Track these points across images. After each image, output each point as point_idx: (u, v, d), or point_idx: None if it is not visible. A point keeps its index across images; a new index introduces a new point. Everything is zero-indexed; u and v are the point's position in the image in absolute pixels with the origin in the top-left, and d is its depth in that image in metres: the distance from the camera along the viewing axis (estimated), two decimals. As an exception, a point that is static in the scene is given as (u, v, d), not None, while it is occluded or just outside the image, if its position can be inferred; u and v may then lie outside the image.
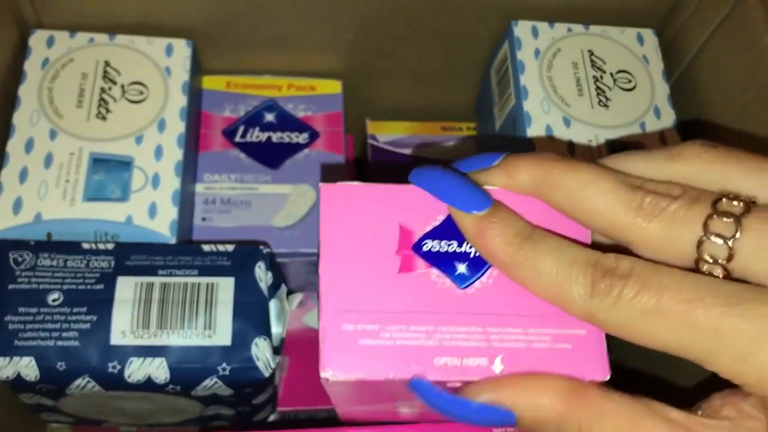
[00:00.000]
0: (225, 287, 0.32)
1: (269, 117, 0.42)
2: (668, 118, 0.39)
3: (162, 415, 0.36)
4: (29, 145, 0.35)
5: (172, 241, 0.34)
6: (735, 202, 0.18)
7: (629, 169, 0.20)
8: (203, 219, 0.38)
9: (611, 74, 0.39)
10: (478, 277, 0.21)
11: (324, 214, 0.21)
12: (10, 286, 0.31)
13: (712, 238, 0.18)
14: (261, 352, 0.31)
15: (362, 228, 0.21)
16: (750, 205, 0.18)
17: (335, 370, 0.20)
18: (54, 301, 0.31)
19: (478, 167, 0.21)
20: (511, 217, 0.20)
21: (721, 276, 0.18)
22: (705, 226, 0.18)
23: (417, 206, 0.21)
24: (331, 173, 0.40)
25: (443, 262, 0.21)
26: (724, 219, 0.18)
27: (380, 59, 0.44)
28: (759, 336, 0.16)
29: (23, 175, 0.34)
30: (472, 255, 0.21)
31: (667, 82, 0.40)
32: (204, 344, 0.31)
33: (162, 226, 0.35)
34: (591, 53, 0.40)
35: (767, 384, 0.17)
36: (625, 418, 0.18)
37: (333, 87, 0.43)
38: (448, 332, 0.20)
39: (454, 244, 0.21)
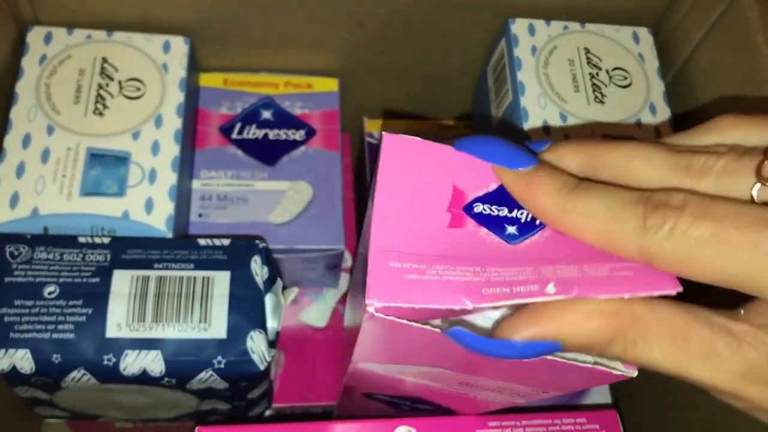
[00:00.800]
0: (221, 281, 0.32)
1: (266, 114, 0.42)
2: (664, 115, 0.39)
3: (157, 410, 0.36)
4: (26, 141, 0.35)
5: (169, 236, 0.34)
6: None
7: None
8: (200, 215, 0.38)
9: (607, 71, 0.39)
10: (529, 236, 0.20)
11: (383, 162, 0.21)
12: (7, 279, 0.31)
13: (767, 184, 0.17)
14: (256, 345, 0.31)
15: (417, 182, 0.21)
16: None
17: (380, 298, 0.19)
18: (50, 294, 0.31)
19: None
20: (556, 170, 0.20)
21: None
22: (758, 174, 0.18)
23: (472, 171, 0.21)
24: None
25: (493, 223, 0.21)
26: None
27: (377, 58, 0.44)
28: None
29: (20, 170, 0.34)
30: (523, 219, 0.21)
31: (663, 80, 0.40)
32: (199, 337, 0.31)
33: (158, 222, 0.35)
34: (587, 51, 0.40)
35: None
36: (667, 327, 0.18)
37: (330, 85, 0.43)
38: (497, 271, 0.20)
39: (505, 209, 0.21)
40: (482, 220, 0.21)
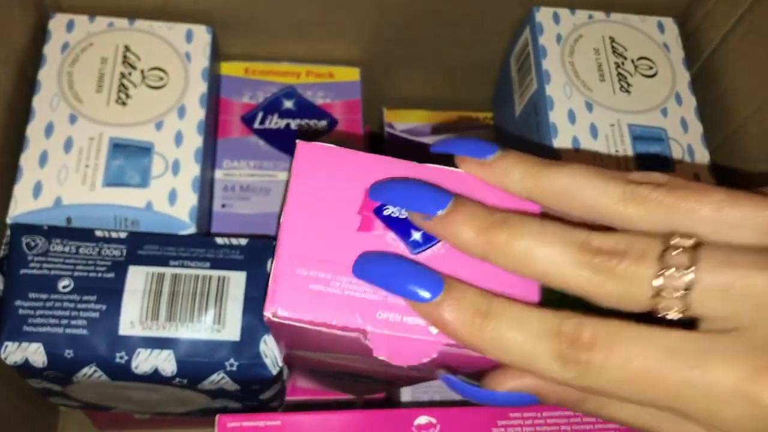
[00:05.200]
0: (237, 281, 0.32)
1: (288, 104, 0.41)
2: (689, 105, 0.38)
3: (169, 406, 0.36)
4: (49, 130, 0.35)
5: (192, 227, 0.34)
6: (682, 250, 0.18)
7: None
8: (222, 206, 0.38)
9: (632, 61, 0.39)
10: (431, 246, 0.21)
11: (296, 169, 0.22)
12: (22, 271, 0.31)
13: (664, 293, 0.18)
14: (269, 349, 0.31)
15: (329, 186, 0.21)
16: (698, 247, 0.18)
17: (281, 308, 0.20)
18: (64, 287, 0.31)
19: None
20: (465, 294, 0.20)
21: (678, 315, 0.18)
22: (656, 279, 0.18)
23: (385, 174, 0.22)
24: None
25: (400, 227, 0.21)
26: (674, 272, 0.18)
27: (398, 48, 0.44)
28: (721, 395, 0.17)
29: (43, 160, 0.34)
30: None
31: (689, 70, 0.39)
32: (212, 338, 0.31)
33: (182, 213, 0.34)
34: (612, 40, 0.40)
35: None
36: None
37: (351, 74, 0.43)
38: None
39: None
40: (390, 223, 0.21)
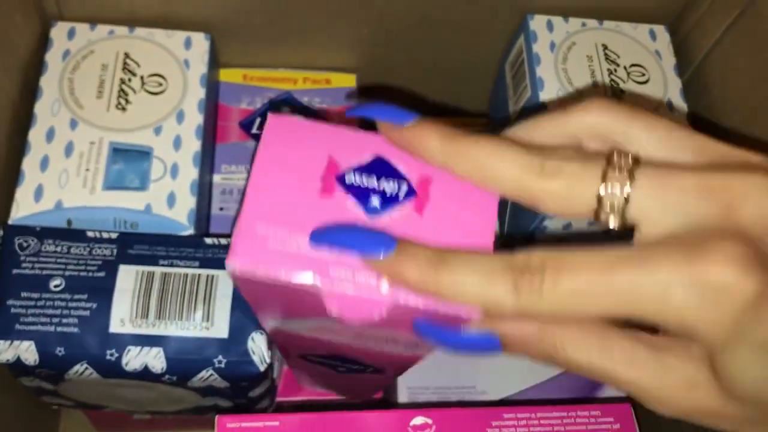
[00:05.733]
0: (225, 280, 0.32)
1: (285, 109, 0.42)
2: (681, 112, 0.39)
3: (160, 404, 0.36)
4: (50, 135, 0.36)
5: (190, 229, 0.35)
6: (623, 163, 0.19)
7: (538, 131, 0.22)
8: (220, 209, 0.38)
9: (625, 68, 0.40)
10: (389, 212, 0.22)
11: (265, 138, 0.22)
12: (14, 271, 0.31)
13: (609, 189, 0.19)
14: (257, 346, 0.31)
15: (296, 155, 0.22)
16: (637, 163, 0.19)
17: (239, 264, 0.21)
18: (56, 287, 0.31)
19: (390, 119, 0.22)
20: (417, 249, 0.21)
21: (617, 225, 0.19)
22: (602, 180, 0.19)
23: (351, 145, 0.22)
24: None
25: (360, 194, 0.22)
26: (617, 173, 0.19)
27: (395, 54, 0.45)
28: (667, 285, 0.18)
29: (44, 164, 0.35)
30: (388, 192, 0.22)
31: (680, 77, 0.40)
32: (201, 336, 0.31)
33: (180, 215, 0.35)
34: (605, 47, 0.40)
35: (685, 320, 0.18)
36: (590, 334, 0.20)
37: (348, 80, 0.44)
38: None
39: (374, 181, 0.22)
40: (351, 189, 0.22)
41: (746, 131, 0.37)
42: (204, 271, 0.32)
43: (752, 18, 0.37)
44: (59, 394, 0.34)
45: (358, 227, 0.21)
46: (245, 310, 0.32)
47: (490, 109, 0.48)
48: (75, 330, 0.30)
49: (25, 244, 0.32)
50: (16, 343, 0.30)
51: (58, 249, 0.32)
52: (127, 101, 0.37)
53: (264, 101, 0.42)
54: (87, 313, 0.31)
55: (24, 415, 0.40)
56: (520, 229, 0.40)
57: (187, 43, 0.39)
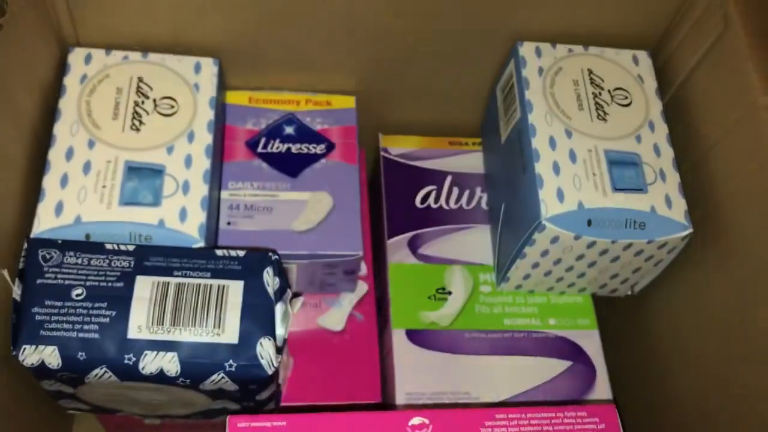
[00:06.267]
0: (235, 290, 0.34)
1: (289, 129, 0.44)
2: (662, 132, 0.41)
3: (172, 407, 0.38)
4: (69, 154, 0.38)
5: (201, 242, 0.37)
6: None
7: None
8: (228, 223, 0.41)
9: (609, 91, 0.42)
10: None
11: None
12: (38, 281, 0.33)
13: None
14: (265, 351, 0.34)
15: None
16: None
17: None
18: (77, 296, 0.33)
19: None
20: None
21: None
22: None
23: None
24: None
25: None
26: None
27: (392, 78, 0.47)
28: None
29: (64, 181, 0.37)
30: None
31: (661, 99, 0.43)
32: (213, 341, 0.33)
33: (191, 229, 0.37)
34: (590, 72, 0.43)
35: None
36: None
37: (348, 102, 0.46)
38: None
39: None
40: None
41: (723, 148, 0.40)
42: (215, 281, 0.34)
43: (726, 44, 0.39)
44: (77, 397, 0.36)
45: None
46: (254, 318, 0.34)
47: (482, 130, 0.50)
48: (95, 336, 0.33)
49: (48, 256, 0.34)
50: (41, 348, 0.32)
51: (79, 261, 0.34)
52: (140, 122, 0.39)
53: (269, 122, 0.44)
54: (107, 320, 0.33)
55: (39, 421, 0.42)
56: (509, 247, 0.42)
57: (197, 68, 0.42)
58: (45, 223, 0.36)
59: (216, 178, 0.41)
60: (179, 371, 0.33)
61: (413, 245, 0.46)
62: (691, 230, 0.39)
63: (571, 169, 0.39)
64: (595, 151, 0.40)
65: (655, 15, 0.44)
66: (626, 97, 0.42)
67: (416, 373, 0.42)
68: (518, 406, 0.34)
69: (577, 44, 0.44)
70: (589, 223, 0.38)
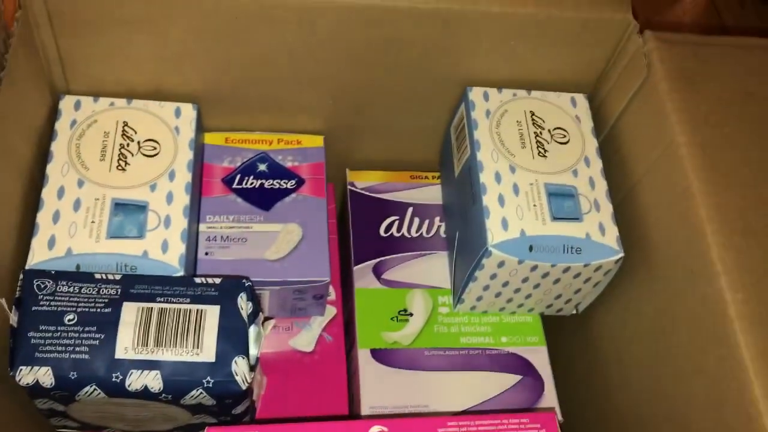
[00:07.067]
0: (212, 314, 0.38)
1: (262, 167, 0.48)
2: (596, 167, 0.46)
3: (156, 423, 0.41)
4: (61, 192, 0.42)
5: (181, 271, 0.41)
6: None
7: None
8: (206, 253, 0.44)
9: (549, 131, 0.47)
10: None
11: None
12: (34, 308, 0.37)
13: None
14: (239, 368, 0.37)
15: None
16: None
17: None
18: (70, 321, 0.36)
19: None
20: None
21: None
22: None
23: None
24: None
25: None
26: None
27: (357, 119, 0.52)
28: None
29: (56, 217, 0.41)
30: None
31: (596, 138, 0.48)
32: (192, 360, 0.36)
33: (173, 260, 0.41)
34: (532, 113, 0.48)
35: None
36: None
37: (316, 141, 0.50)
38: None
39: None
40: None
41: (648, 181, 0.45)
42: (194, 306, 0.38)
43: (649, 88, 0.44)
44: (68, 415, 0.40)
45: None
46: (229, 339, 0.37)
47: (440, 164, 0.55)
48: (86, 357, 0.36)
49: (42, 285, 0.38)
50: (36, 368, 0.35)
51: (71, 289, 0.38)
52: (126, 163, 0.43)
53: (243, 160, 0.49)
54: (96, 342, 0.36)
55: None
56: (463, 272, 0.46)
57: (177, 113, 0.46)
58: (39, 255, 0.40)
59: (195, 213, 0.45)
60: (162, 388, 0.36)
61: (377, 271, 0.50)
62: (622, 254, 0.44)
63: (515, 201, 0.44)
64: (536, 184, 0.45)
65: (591, 62, 0.49)
66: (564, 136, 0.47)
67: (380, 389, 0.46)
68: (467, 415, 0.38)
69: (521, 89, 0.49)
70: (531, 248, 0.43)
